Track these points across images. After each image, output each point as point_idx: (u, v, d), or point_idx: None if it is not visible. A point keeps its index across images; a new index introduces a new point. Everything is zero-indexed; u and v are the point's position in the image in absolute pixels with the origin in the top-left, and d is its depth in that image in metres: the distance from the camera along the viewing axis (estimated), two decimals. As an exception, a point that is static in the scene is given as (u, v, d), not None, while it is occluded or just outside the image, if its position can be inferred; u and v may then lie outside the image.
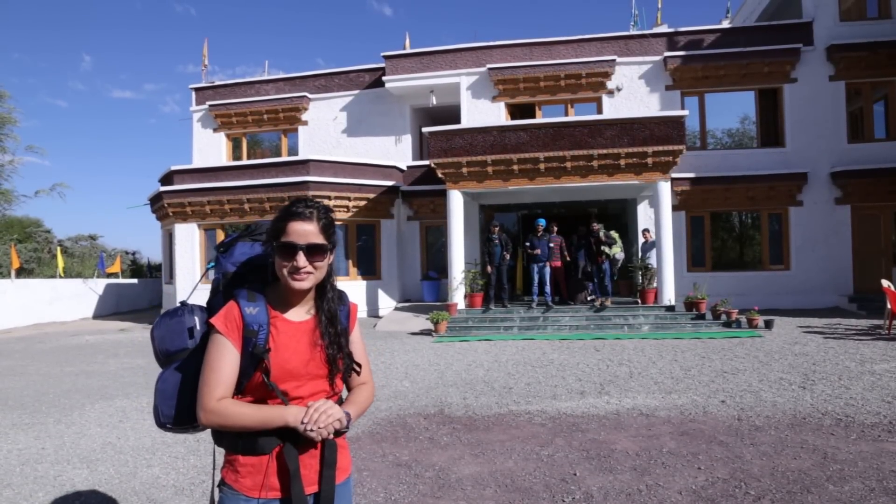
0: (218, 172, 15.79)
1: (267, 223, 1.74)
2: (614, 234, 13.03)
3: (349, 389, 1.75)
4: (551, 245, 12.83)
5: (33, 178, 71.20)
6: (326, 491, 1.58)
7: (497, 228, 12.99)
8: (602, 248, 12.53)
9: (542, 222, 12.88)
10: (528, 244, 12.90)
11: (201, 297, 1.77)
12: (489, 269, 12.92)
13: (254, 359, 1.52)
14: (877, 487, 3.58)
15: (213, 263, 1.75)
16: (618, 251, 12.98)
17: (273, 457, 1.54)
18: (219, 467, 1.64)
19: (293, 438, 1.53)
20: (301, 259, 1.53)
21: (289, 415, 1.47)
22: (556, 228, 13.42)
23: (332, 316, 1.64)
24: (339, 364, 1.63)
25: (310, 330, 1.61)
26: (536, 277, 12.77)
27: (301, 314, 1.63)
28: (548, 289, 12.79)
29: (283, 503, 1.55)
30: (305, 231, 1.54)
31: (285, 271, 1.54)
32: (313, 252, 1.54)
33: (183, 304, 1.68)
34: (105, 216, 77.19)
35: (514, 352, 9.56)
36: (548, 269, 12.75)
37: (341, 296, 1.71)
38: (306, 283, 1.56)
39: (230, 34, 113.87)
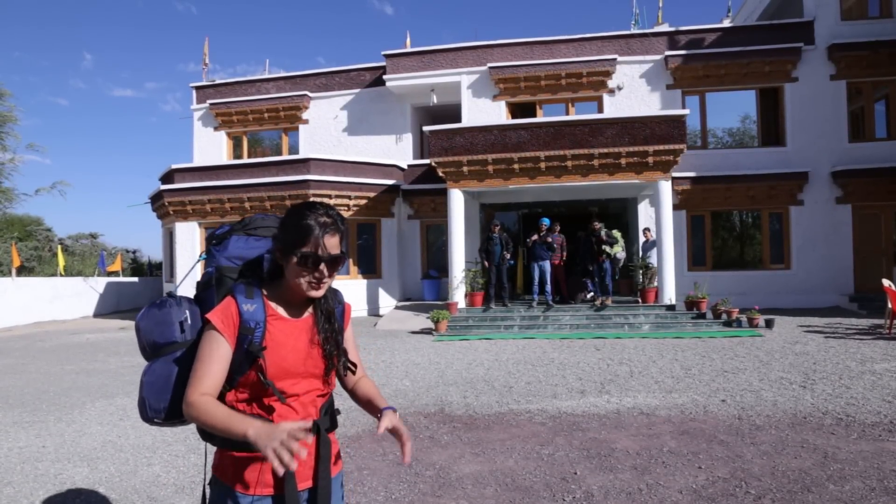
0: (218, 171, 15.80)
1: (259, 217, 1.73)
2: (616, 233, 13.02)
3: (347, 387, 1.76)
4: (552, 242, 12.80)
5: (34, 176, 71.31)
6: (323, 487, 1.58)
7: (497, 227, 12.98)
8: (603, 247, 12.52)
9: (546, 221, 12.86)
10: (530, 238, 12.86)
11: (189, 290, 1.76)
12: (486, 264, 12.89)
13: (249, 356, 1.51)
14: (877, 487, 3.58)
15: (204, 255, 1.72)
16: (619, 250, 12.97)
17: None
18: (210, 464, 1.64)
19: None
20: (325, 271, 1.52)
21: (249, 428, 1.38)
22: (558, 227, 13.41)
23: (330, 314, 1.64)
24: (334, 361, 1.63)
25: (308, 328, 1.61)
26: (537, 276, 12.76)
27: (298, 312, 1.62)
28: (548, 288, 12.78)
29: (275, 500, 1.54)
30: (331, 244, 1.52)
31: (303, 280, 1.53)
32: (334, 263, 1.54)
33: (170, 295, 1.65)
34: (106, 215, 77.24)
35: (514, 351, 9.55)
36: (548, 268, 12.73)
37: (336, 293, 1.71)
38: (321, 292, 1.56)
39: (231, 33, 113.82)
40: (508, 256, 12.94)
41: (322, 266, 1.51)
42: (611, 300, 12.71)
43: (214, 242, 1.69)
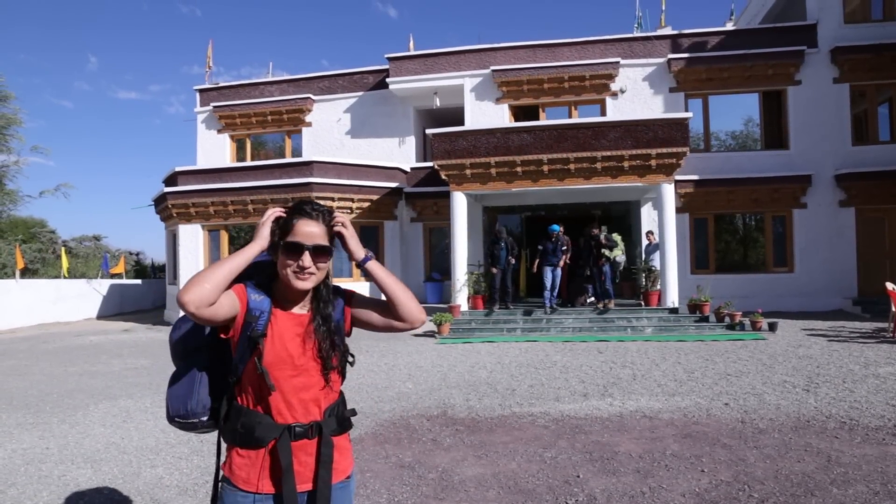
0: (222, 173, 15.83)
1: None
2: (616, 236, 13.02)
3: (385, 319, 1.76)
4: (564, 248, 12.76)
5: (38, 178, 71.58)
6: (322, 490, 1.58)
7: (502, 232, 13.01)
8: (603, 250, 12.50)
9: (556, 228, 12.76)
10: (541, 247, 12.78)
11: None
12: (494, 269, 12.88)
13: (251, 342, 1.56)
14: (881, 491, 3.57)
15: None
16: (618, 254, 12.96)
17: (268, 451, 1.57)
18: (222, 461, 1.68)
19: (287, 433, 1.57)
20: (307, 259, 1.56)
21: (256, 241, 1.59)
22: (562, 230, 13.36)
23: (326, 317, 1.67)
24: (333, 361, 1.64)
25: (305, 323, 1.65)
26: (549, 282, 12.65)
27: (298, 307, 1.67)
28: (554, 292, 12.72)
29: (276, 499, 1.57)
30: (312, 233, 1.58)
31: (289, 270, 1.58)
32: (318, 253, 1.58)
33: None
34: (109, 217, 77.49)
35: (517, 353, 9.55)
36: (559, 273, 12.70)
37: (336, 290, 1.74)
38: (308, 283, 1.60)
39: (235, 35, 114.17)
40: (513, 261, 12.94)
41: (305, 254, 1.56)
42: (613, 303, 12.69)
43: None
